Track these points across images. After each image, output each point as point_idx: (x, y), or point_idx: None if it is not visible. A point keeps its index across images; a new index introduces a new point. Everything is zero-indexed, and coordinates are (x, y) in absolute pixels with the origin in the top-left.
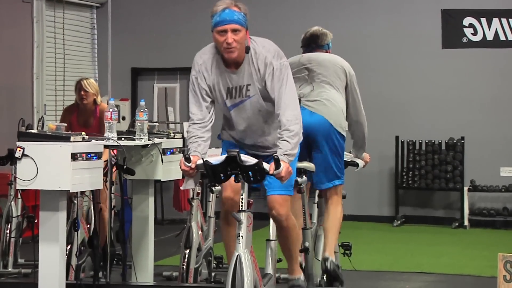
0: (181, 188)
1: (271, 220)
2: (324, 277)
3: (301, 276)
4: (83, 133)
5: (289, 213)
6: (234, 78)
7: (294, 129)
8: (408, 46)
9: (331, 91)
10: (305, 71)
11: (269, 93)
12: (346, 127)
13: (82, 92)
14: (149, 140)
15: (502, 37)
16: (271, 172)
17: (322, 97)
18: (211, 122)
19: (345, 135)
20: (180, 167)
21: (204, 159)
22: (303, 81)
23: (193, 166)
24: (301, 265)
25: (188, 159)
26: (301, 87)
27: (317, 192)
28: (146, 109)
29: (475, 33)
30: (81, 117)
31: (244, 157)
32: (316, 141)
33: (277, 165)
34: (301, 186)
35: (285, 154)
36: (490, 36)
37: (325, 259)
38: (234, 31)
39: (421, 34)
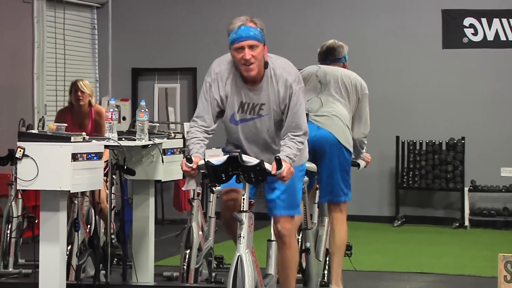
0: (183, 188)
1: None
2: None
3: None
4: (83, 133)
5: (293, 232)
6: (250, 95)
7: (300, 144)
8: (408, 46)
9: (339, 107)
10: (318, 84)
11: (282, 115)
12: (352, 144)
13: (79, 93)
14: (149, 140)
15: (503, 37)
16: (273, 172)
17: (330, 113)
18: (213, 131)
19: (352, 151)
20: (182, 168)
21: (206, 160)
22: (314, 94)
23: (194, 166)
24: (301, 265)
25: (189, 160)
26: (310, 101)
27: (317, 193)
28: (146, 109)
29: (475, 33)
30: (76, 119)
31: (245, 157)
32: (322, 156)
33: (279, 166)
34: (303, 187)
35: (287, 156)
36: (490, 37)
37: None
38: (251, 47)
39: (422, 34)
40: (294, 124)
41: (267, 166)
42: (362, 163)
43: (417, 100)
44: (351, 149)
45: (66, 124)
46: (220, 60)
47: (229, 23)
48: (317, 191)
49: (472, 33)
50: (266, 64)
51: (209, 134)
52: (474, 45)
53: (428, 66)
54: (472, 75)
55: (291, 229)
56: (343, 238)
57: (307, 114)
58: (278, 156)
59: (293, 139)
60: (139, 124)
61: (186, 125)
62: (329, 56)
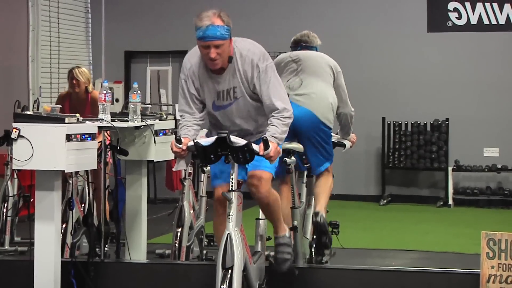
0: (173, 169)
1: None
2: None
3: (286, 233)
4: (77, 114)
5: (269, 190)
6: (221, 82)
7: (285, 120)
8: (394, 30)
9: (319, 83)
10: (293, 64)
11: (257, 95)
12: (333, 119)
13: (74, 81)
14: (142, 121)
15: (486, 21)
16: (260, 153)
17: (310, 91)
18: (202, 119)
19: (331, 125)
20: (172, 149)
21: (195, 141)
22: (292, 74)
23: (184, 147)
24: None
25: (179, 141)
26: (290, 81)
27: (305, 172)
28: (139, 91)
29: (459, 17)
30: (73, 105)
31: (234, 138)
32: (303, 133)
33: (266, 146)
34: (290, 167)
35: (273, 136)
36: (474, 20)
37: (315, 213)
38: (217, 46)
39: (407, 18)
40: (269, 101)
41: (255, 146)
42: (347, 143)
43: (403, 82)
44: (331, 125)
45: (60, 106)
46: (190, 55)
47: (196, 16)
48: (305, 171)
49: (456, 17)
50: (230, 59)
51: (199, 121)
52: (458, 28)
53: (414, 49)
54: (456, 58)
55: (267, 189)
56: (328, 184)
57: (287, 95)
58: (265, 136)
59: (277, 117)
60: (132, 106)
61: (178, 107)
62: (301, 43)
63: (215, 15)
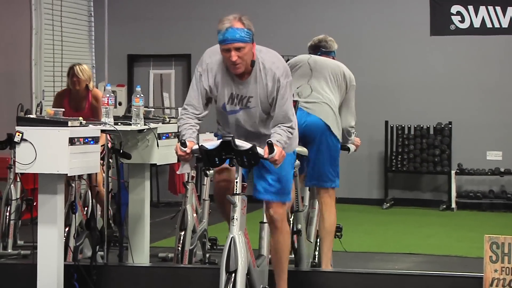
0: (178, 172)
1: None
2: None
3: None
4: (80, 118)
5: (285, 216)
6: (240, 88)
7: (289, 132)
8: (397, 33)
9: (329, 94)
10: (309, 71)
11: (269, 108)
12: (340, 132)
13: (75, 78)
14: (145, 125)
15: (489, 25)
16: (265, 156)
17: (320, 99)
18: (203, 118)
19: (340, 137)
20: (176, 152)
21: (200, 144)
22: (304, 81)
23: (188, 151)
24: (293, 245)
25: (184, 144)
26: (301, 87)
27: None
28: (142, 95)
29: (462, 20)
30: (73, 102)
31: (238, 141)
32: (312, 141)
33: (271, 150)
34: (294, 170)
35: (278, 141)
36: (477, 24)
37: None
38: (238, 49)
39: (410, 22)
40: (281, 116)
41: (260, 150)
42: (352, 147)
43: (406, 86)
44: (340, 138)
45: (63, 109)
46: (212, 51)
47: (219, 20)
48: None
49: (459, 20)
50: (252, 63)
51: (199, 120)
52: (461, 32)
53: (416, 52)
54: (459, 62)
55: (283, 214)
56: (332, 223)
57: (296, 101)
58: (270, 140)
59: (282, 128)
60: (135, 109)
61: (181, 110)
62: (320, 48)
63: (235, 18)
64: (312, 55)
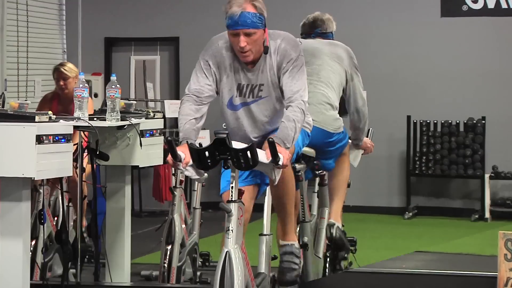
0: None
1: (266, 211)
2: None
3: (295, 243)
4: (49, 112)
5: (289, 163)
6: (249, 76)
7: (303, 107)
8: (409, 16)
9: (325, 90)
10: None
11: (280, 92)
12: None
13: (61, 82)
14: (125, 120)
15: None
16: (267, 162)
17: (317, 102)
18: (207, 103)
19: (340, 131)
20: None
21: (189, 143)
22: None
23: (184, 166)
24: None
25: (175, 157)
26: None
27: (317, 180)
28: (118, 85)
29: (475, 1)
30: (62, 105)
31: (234, 142)
32: (316, 149)
33: (273, 150)
34: (299, 174)
35: (283, 141)
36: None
37: (330, 225)
38: (248, 34)
39: (420, 4)
40: (291, 92)
41: (260, 153)
42: (355, 162)
43: (431, 75)
44: (341, 129)
45: (29, 102)
46: (219, 36)
47: (227, 2)
48: (317, 178)
49: (472, 1)
50: (266, 49)
51: (202, 105)
52: (474, 13)
53: (435, 36)
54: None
55: (288, 159)
56: (344, 175)
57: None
58: (271, 138)
59: (293, 111)
60: (109, 102)
61: (167, 103)
62: (315, 29)
63: (247, 1)
64: (302, 41)
